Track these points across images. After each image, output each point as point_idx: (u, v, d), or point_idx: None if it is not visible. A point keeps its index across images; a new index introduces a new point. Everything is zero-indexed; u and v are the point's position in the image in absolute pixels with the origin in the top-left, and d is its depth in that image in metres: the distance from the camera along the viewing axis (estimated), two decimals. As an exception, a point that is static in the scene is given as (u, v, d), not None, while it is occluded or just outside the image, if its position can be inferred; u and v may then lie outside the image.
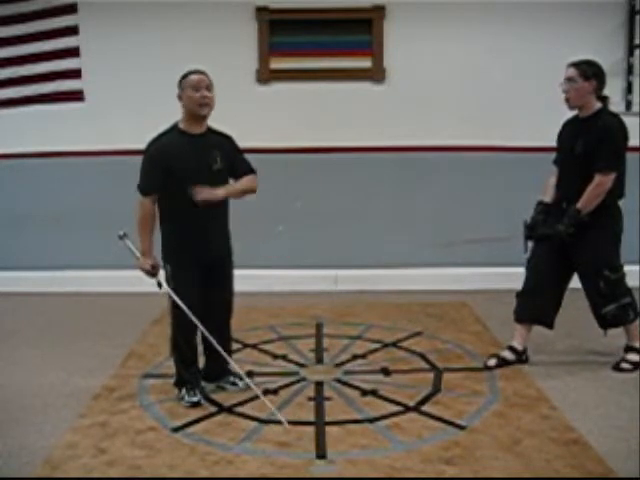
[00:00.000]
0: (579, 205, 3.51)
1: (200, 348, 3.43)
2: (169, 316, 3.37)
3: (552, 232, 3.57)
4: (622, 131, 3.53)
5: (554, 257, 3.66)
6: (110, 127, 5.46)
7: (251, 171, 3.39)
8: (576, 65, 3.54)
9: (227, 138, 3.37)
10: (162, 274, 3.31)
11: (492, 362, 3.74)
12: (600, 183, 3.48)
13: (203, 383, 3.43)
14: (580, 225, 3.52)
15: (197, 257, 3.27)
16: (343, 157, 5.51)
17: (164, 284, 3.26)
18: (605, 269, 3.55)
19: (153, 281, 3.28)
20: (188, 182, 3.17)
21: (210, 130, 3.32)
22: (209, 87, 3.20)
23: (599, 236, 3.56)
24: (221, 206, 3.31)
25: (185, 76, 3.23)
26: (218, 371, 3.48)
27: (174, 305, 3.26)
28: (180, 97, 3.23)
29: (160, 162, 3.18)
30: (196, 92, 3.16)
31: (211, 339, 3.28)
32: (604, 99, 3.59)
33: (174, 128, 3.27)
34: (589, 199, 3.49)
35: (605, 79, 3.56)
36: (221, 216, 3.35)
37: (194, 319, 3.21)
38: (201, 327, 3.25)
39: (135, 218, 3.25)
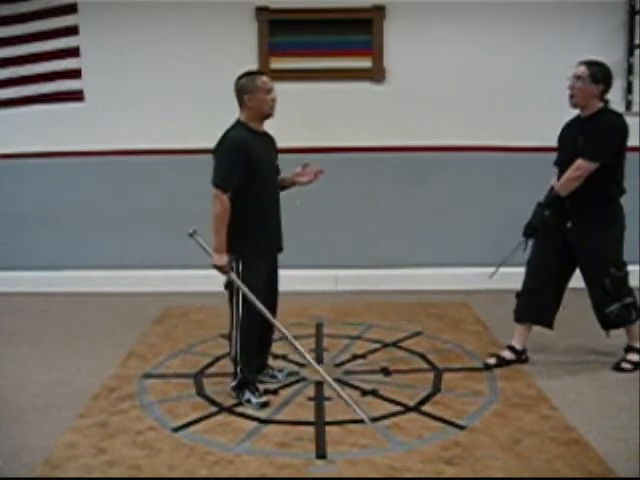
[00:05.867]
0: (556, 187, 3.53)
1: None
2: (233, 315, 3.26)
3: (535, 219, 3.60)
4: (621, 129, 3.51)
5: (554, 257, 3.66)
6: (110, 127, 5.45)
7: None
8: (588, 65, 3.49)
9: (273, 138, 3.49)
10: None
11: (491, 361, 3.75)
12: (579, 167, 3.45)
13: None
14: (583, 222, 3.53)
15: (266, 250, 3.35)
16: (343, 157, 5.50)
17: (237, 280, 3.20)
18: (610, 266, 3.54)
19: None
20: (261, 176, 3.25)
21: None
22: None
23: (603, 233, 3.55)
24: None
25: (253, 78, 3.26)
26: (262, 365, 3.55)
27: (243, 303, 3.23)
28: (249, 99, 3.23)
29: (242, 157, 3.18)
30: (268, 95, 3.26)
31: (284, 330, 3.32)
32: (605, 101, 3.57)
33: (241, 126, 3.27)
34: (566, 182, 3.49)
35: (612, 84, 3.54)
36: (279, 209, 3.49)
37: (268, 315, 3.28)
38: (275, 323, 3.34)
39: (211, 214, 3.17)
